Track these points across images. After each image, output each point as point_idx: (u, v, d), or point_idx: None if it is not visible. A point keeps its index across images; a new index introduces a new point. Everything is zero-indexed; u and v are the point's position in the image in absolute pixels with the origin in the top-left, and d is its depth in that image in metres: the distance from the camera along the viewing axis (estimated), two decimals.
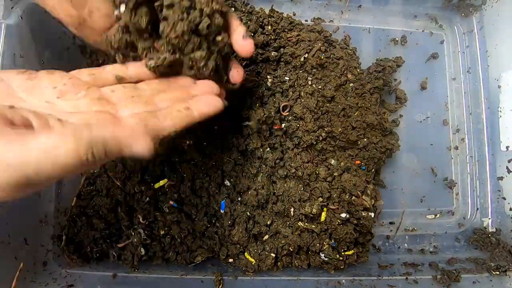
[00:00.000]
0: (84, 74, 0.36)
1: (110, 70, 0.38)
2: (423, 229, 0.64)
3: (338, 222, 0.53)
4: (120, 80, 0.38)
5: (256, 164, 0.53)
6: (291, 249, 0.53)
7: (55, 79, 0.34)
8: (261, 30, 0.58)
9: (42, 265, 0.48)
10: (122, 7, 0.36)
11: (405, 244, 0.63)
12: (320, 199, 0.53)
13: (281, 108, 0.55)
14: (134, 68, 0.39)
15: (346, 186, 0.53)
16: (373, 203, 0.55)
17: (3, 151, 0.22)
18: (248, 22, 0.57)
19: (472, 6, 0.68)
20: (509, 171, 0.63)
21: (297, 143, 0.54)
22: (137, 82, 0.38)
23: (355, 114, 0.58)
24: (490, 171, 0.65)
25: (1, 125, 0.24)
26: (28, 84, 0.32)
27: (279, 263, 0.54)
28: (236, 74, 0.42)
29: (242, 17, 0.57)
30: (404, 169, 0.65)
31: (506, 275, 0.55)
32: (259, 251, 0.53)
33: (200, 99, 0.37)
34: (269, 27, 0.58)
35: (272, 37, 0.58)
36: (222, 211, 0.51)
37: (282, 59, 0.57)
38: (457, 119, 0.68)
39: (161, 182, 0.52)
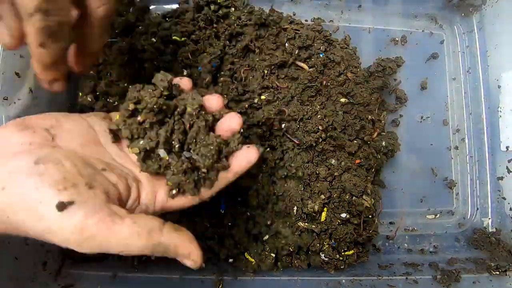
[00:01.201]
0: None
1: None
2: (423, 229, 0.64)
3: (338, 222, 0.53)
4: None
5: (256, 164, 0.53)
6: (291, 249, 0.53)
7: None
8: (262, 33, 0.58)
9: (42, 265, 0.48)
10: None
11: (405, 244, 0.63)
12: (322, 196, 0.53)
13: (281, 109, 0.55)
14: None
15: (346, 186, 0.53)
16: (373, 203, 0.55)
17: (94, 230, 0.27)
18: (248, 22, 0.57)
19: (472, 6, 0.68)
20: (509, 171, 0.63)
21: (297, 143, 0.54)
22: None
23: (355, 114, 0.58)
24: (490, 171, 0.65)
25: (101, 201, 0.28)
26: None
27: (279, 263, 0.54)
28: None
29: (242, 16, 0.57)
30: (404, 169, 0.65)
31: (506, 275, 0.55)
32: (259, 251, 0.53)
33: (234, 157, 0.37)
34: (269, 29, 0.59)
35: (272, 38, 0.58)
36: (222, 211, 0.51)
37: (282, 61, 0.57)
38: (457, 119, 0.68)
39: None
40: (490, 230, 0.64)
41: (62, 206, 0.26)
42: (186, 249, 0.30)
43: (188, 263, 0.31)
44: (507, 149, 0.63)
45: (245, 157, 0.37)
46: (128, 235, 0.27)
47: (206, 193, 0.37)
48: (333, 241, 0.53)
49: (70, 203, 0.26)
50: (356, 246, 0.55)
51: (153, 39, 0.56)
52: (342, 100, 0.58)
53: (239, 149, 0.38)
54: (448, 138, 0.67)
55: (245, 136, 0.52)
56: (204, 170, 0.35)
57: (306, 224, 0.53)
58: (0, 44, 0.38)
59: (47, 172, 0.27)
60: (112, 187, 0.31)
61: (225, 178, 0.37)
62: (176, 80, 0.38)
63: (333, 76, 0.58)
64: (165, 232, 0.29)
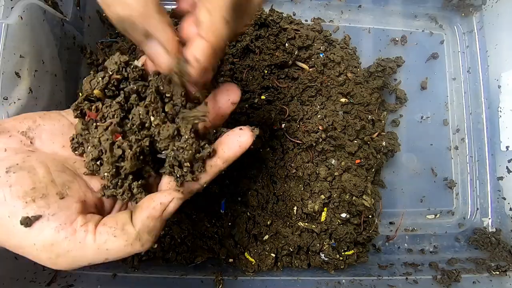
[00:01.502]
0: None
1: None
2: (423, 229, 0.64)
3: (338, 222, 0.53)
4: None
5: (256, 164, 0.53)
6: (291, 249, 0.53)
7: None
8: (262, 33, 0.58)
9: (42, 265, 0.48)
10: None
11: (405, 244, 0.63)
12: (322, 196, 0.53)
13: (281, 109, 0.55)
14: None
15: (346, 186, 0.53)
16: (373, 203, 0.55)
17: (66, 245, 0.25)
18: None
19: (472, 6, 0.68)
20: (509, 171, 0.63)
21: (297, 143, 0.54)
22: None
23: (355, 114, 0.58)
24: (490, 171, 0.65)
25: (73, 212, 0.26)
26: None
27: (279, 263, 0.54)
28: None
29: None
30: (404, 169, 0.65)
31: (506, 275, 0.55)
32: (259, 251, 0.53)
33: (224, 142, 0.31)
34: (269, 29, 0.59)
35: (272, 38, 0.58)
36: (222, 211, 0.51)
37: (282, 61, 0.57)
38: (457, 119, 0.68)
39: None
40: (490, 230, 0.64)
41: (28, 222, 0.24)
42: (158, 209, 0.28)
43: (168, 199, 0.28)
44: (507, 149, 0.63)
45: (237, 141, 0.31)
46: (103, 242, 0.25)
47: (194, 185, 0.32)
48: (333, 241, 0.53)
49: (37, 217, 0.24)
50: (356, 246, 0.55)
51: None
52: (342, 100, 0.58)
53: (225, 132, 0.31)
54: (448, 138, 0.67)
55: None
56: (187, 164, 0.30)
57: (306, 224, 0.53)
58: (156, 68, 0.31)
59: (17, 182, 0.25)
60: (90, 194, 0.28)
61: (215, 166, 0.31)
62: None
63: (333, 76, 0.58)
64: (135, 220, 0.27)
